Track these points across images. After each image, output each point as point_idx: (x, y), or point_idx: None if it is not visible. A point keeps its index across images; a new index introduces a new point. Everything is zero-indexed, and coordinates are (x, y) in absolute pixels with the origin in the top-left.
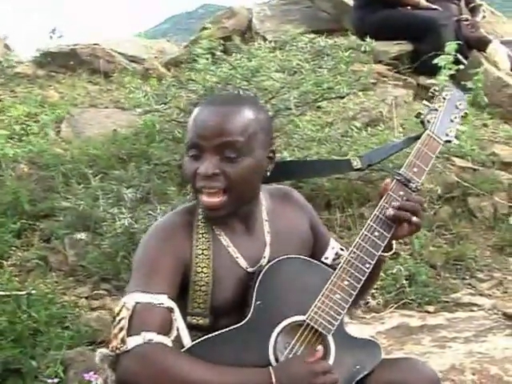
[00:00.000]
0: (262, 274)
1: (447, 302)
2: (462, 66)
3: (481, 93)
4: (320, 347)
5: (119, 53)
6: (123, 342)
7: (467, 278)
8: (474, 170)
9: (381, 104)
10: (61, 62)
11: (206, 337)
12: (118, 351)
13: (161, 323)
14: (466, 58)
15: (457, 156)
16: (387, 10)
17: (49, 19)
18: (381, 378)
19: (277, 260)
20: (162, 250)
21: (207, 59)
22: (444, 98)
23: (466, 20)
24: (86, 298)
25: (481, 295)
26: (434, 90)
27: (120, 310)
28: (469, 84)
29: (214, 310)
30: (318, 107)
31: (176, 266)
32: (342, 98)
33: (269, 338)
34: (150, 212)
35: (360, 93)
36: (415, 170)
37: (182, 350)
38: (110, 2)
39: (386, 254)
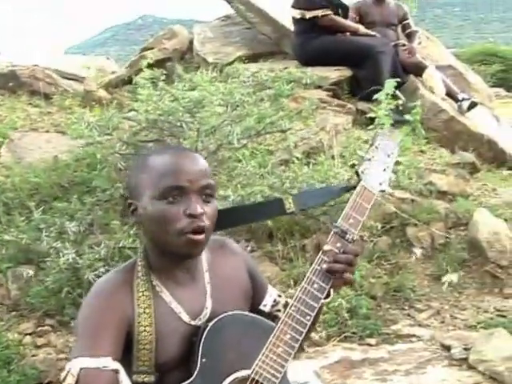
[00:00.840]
0: (206, 332)
1: (388, 333)
2: (400, 101)
3: (419, 126)
4: None
5: (59, 74)
6: None
7: (406, 308)
8: (412, 200)
9: (321, 132)
10: (0, 84)
11: None
12: None
13: None
14: (402, 83)
15: (395, 187)
16: (327, 37)
17: None
18: None
19: (220, 317)
20: (104, 310)
21: (149, 87)
22: (376, 148)
23: (404, 45)
24: (30, 334)
25: (419, 325)
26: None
27: (65, 377)
28: (407, 116)
29: (159, 367)
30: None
31: (119, 325)
32: (284, 132)
33: None
34: (94, 246)
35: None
36: (351, 221)
37: None
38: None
39: (324, 301)
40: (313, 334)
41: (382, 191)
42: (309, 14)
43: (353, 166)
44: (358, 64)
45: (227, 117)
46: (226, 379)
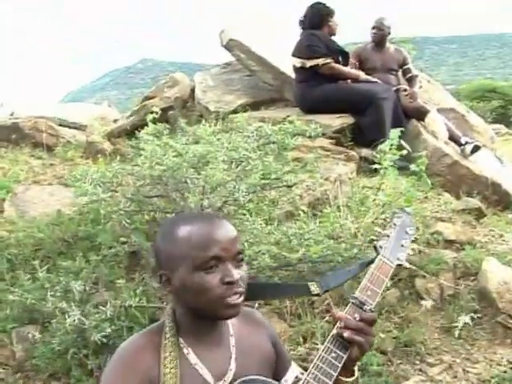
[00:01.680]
0: None
1: None
2: (405, 152)
3: (424, 176)
4: None
5: (61, 123)
6: None
7: (417, 362)
8: (420, 251)
9: (325, 182)
10: (2, 136)
11: None
12: None
13: None
14: (404, 127)
15: None
16: (328, 85)
17: None
18: None
19: (242, 379)
20: (127, 373)
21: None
22: (395, 224)
23: (405, 90)
24: None
25: (432, 381)
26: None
27: None
28: (412, 166)
29: None
30: None
31: None
32: (290, 187)
33: None
34: (100, 306)
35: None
36: (369, 293)
37: None
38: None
39: (348, 380)
40: None
41: (400, 265)
42: (309, 63)
43: (372, 241)
44: (361, 111)
45: (232, 173)
46: None
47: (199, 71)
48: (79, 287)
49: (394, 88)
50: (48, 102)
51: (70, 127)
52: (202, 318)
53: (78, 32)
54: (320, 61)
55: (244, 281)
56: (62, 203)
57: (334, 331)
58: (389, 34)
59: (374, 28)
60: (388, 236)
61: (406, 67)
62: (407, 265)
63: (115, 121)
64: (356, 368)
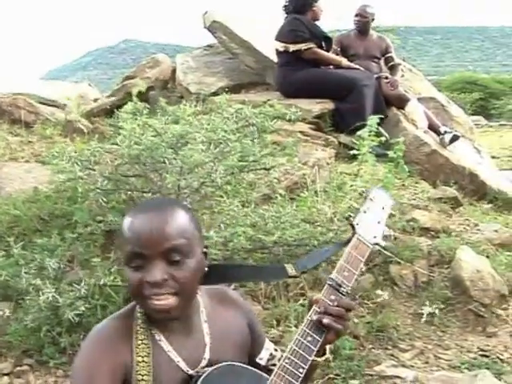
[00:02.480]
0: (200, 381)
1: (371, 375)
2: (383, 139)
3: (402, 162)
4: None
5: (40, 101)
6: None
7: (390, 347)
8: (395, 237)
9: (303, 166)
10: None
11: None
12: None
13: None
14: (385, 116)
15: None
16: (310, 70)
17: None
18: None
19: (215, 367)
20: (100, 359)
21: (132, 121)
22: (371, 200)
23: (386, 78)
24: (8, 374)
25: (403, 366)
26: (363, 191)
27: None
28: (390, 153)
29: None
30: None
31: (115, 374)
32: (268, 169)
33: None
34: (74, 284)
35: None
36: (346, 273)
37: None
38: (31, 33)
39: (319, 359)
40: None
41: (376, 244)
42: (292, 47)
43: (347, 217)
44: (341, 97)
45: (210, 154)
46: None
47: (182, 53)
48: (54, 265)
49: (376, 75)
50: (28, 79)
51: (49, 105)
52: None
53: (59, 9)
54: (303, 45)
55: (182, 281)
56: (39, 181)
57: (312, 316)
58: (372, 20)
59: (357, 15)
60: (364, 212)
61: (388, 55)
62: (383, 243)
63: (95, 100)
64: (327, 348)
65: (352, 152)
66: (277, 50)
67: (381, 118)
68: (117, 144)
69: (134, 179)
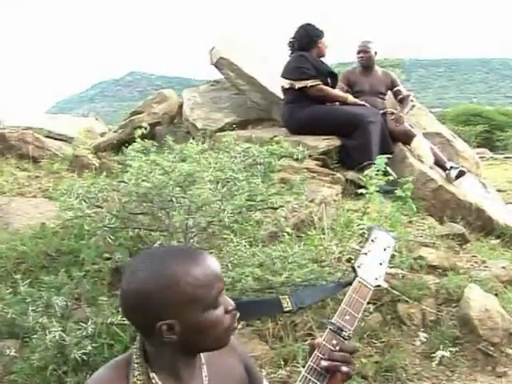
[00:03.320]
0: None
1: None
2: (391, 177)
3: (410, 202)
4: None
5: (47, 135)
6: None
7: None
8: (403, 276)
9: (310, 204)
10: None
11: None
12: None
13: None
14: (391, 152)
15: None
16: (316, 106)
17: None
18: None
19: None
20: None
21: (140, 158)
22: (372, 241)
23: (392, 114)
24: None
25: None
26: (364, 232)
27: None
28: (398, 191)
29: None
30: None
31: None
32: (275, 209)
33: None
34: (81, 323)
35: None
36: (347, 317)
37: None
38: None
39: None
40: None
41: (378, 286)
42: (298, 84)
43: (349, 260)
44: (348, 134)
45: (218, 193)
46: None
47: (187, 87)
48: (61, 303)
49: (381, 111)
50: (35, 112)
51: (56, 139)
52: (188, 354)
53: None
54: (309, 82)
55: None
56: (46, 216)
57: (316, 362)
58: (375, 54)
59: (359, 52)
60: (366, 254)
61: (396, 89)
62: (385, 285)
63: (102, 134)
64: None
65: (359, 191)
66: (282, 86)
67: (388, 157)
68: (124, 182)
69: (141, 217)
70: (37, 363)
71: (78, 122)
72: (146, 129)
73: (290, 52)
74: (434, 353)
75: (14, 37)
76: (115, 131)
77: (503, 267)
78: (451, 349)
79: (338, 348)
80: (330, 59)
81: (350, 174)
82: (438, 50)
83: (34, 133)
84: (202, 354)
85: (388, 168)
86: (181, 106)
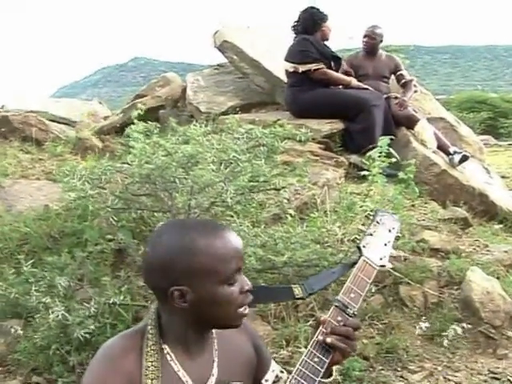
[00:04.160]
0: None
1: None
2: (394, 160)
3: (412, 184)
4: None
5: (51, 118)
6: None
7: (399, 369)
8: (405, 258)
9: (313, 186)
10: None
11: None
12: None
13: None
14: (395, 136)
15: None
16: (319, 90)
17: None
18: None
19: None
20: (108, 377)
21: (143, 140)
22: (378, 223)
23: (396, 98)
24: None
25: None
26: (370, 214)
27: None
28: (401, 174)
29: None
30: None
31: None
32: (278, 190)
33: None
34: (84, 303)
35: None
36: (352, 295)
37: None
38: (42, 51)
39: (326, 381)
40: None
41: (383, 266)
42: (302, 68)
43: (355, 240)
44: (351, 117)
45: (221, 174)
46: None
47: (191, 71)
48: (64, 283)
49: (385, 96)
50: (39, 97)
51: (59, 122)
52: (199, 327)
53: (70, 27)
54: (312, 66)
55: None
56: (50, 198)
57: (318, 336)
58: (381, 41)
59: (365, 37)
60: (371, 235)
61: (399, 73)
62: (390, 265)
63: (105, 118)
64: (334, 369)
65: (362, 173)
66: (286, 70)
67: (391, 139)
68: (127, 163)
69: (144, 198)
70: (40, 342)
71: (82, 106)
72: (142, 110)
73: (293, 35)
74: (435, 335)
75: (17, 22)
76: (118, 115)
77: (505, 251)
78: (453, 331)
79: (341, 324)
80: (337, 45)
81: (353, 158)
82: (443, 36)
83: (38, 116)
84: (213, 330)
85: (391, 149)
86: (184, 90)
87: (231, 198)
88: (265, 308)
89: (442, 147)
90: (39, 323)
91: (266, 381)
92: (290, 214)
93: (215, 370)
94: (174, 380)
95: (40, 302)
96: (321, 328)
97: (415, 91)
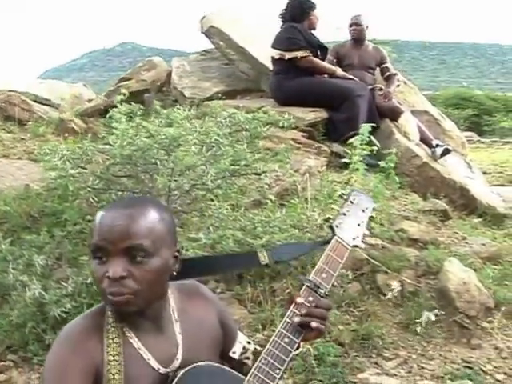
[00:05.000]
0: (175, 382)
1: (355, 382)
2: (375, 147)
3: (393, 173)
4: None
5: (35, 99)
6: None
7: (374, 356)
8: (383, 247)
9: (295, 174)
10: None
11: None
12: None
13: None
14: (377, 127)
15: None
16: (304, 78)
17: None
18: None
19: (190, 368)
20: (71, 357)
21: (125, 122)
22: (351, 202)
23: (380, 90)
24: None
25: (387, 374)
26: (343, 194)
27: None
28: (381, 163)
29: None
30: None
31: (86, 373)
32: (259, 174)
33: None
34: (61, 282)
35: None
36: (324, 275)
37: None
38: (28, 33)
39: (294, 353)
40: (280, 382)
41: (355, 246)
42: (288, 55)
43: (328, 219)
44: (335, 106)
45: (202, 157)
46: None
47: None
48: (42, 261)
49: (370, 87)
50: (24, 78)
51: (43, 104)
52: None
53: (57, 10)
54: (299, 53)
55: (141, 281)
56: (31, 178)
57: (293, 318)
58: (367, 27)
59: (351, 25)
60: (344, 214)
61: (384, 66)
62: (362, 245)
63: (89, 101)
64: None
65: (343, 160)
66: (272, 57)
67: (374, 128)
68: (109, 144)
69: (125, 179)
70: (16, 320)
71: (66, 88)
72: (124, 95)
73: (281, 23)
74: (411, 323)
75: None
76: (102, 97)
77: (483, 244)
78: (426, 317)
79: (313, 305)
80: (325, 36)
81: (336, 147)
82: (430, 33)
83: (21, 96)
84: (173, 309)
85: (372, 138)
86: (169, 75)
87: (212, 181)
88: (242, 292)
89: (424, 140)
90: (16, 301)
91: (234, 353)
92: (270, 200)
93: (179, 352)
94: (136, 357)
95: (17, 279)
96: (291, 308)
97: (398, 85)
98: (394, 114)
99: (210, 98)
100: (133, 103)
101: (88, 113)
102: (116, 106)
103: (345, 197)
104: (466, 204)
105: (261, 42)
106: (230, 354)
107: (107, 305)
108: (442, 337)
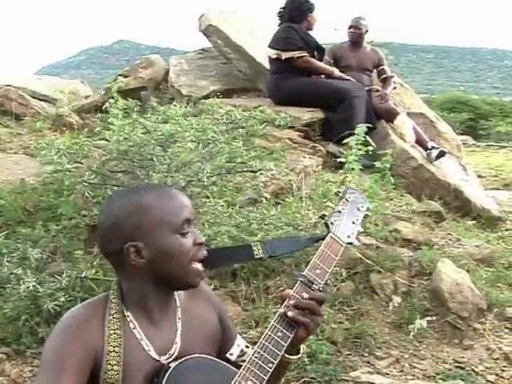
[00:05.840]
0: (168, 373)
1: (346, 380)
2: (370, 148)
3: (388, 174)
4: None
5: (32, 95)
6: None
7: (366, 355)
8: (377, 247)
9: (290, 173)
10: None
11: None
12: None
13: None
14: (373, 128)
15: (361, 233)
16: (301, 78)
17: None
18: None
19: (184, 359)
20: (70, 345)
21: (122, 118)
22: (347, 200)
23: (377, 91)
24: None
25: (378, 373)
26: (339, 191)
27: None
28: (377, 164)
29: None
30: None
31: (85, 361)
32: (255, 172)
33: None
34: (56, 275)
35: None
36: (318, 271)
37: None
38: (25, 29)
39: (292, 357)
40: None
41: (350, 243)
42: (285, 55)
43: (323, 216)
44: (332, 107)
45: (198, 153)
46: None
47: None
48: (36, 255)
49: (367, 88)
50: (21, 74)
51: (40, 99)
52: (159, 290)
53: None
54: (296, 53)
55: None
56: (27, 173)
57: (281, 310)
58: (366, 32)
59: (351, 27)
60: (339, 212)
61: (380, 68)
62: (357, 243)
63: (87, 97)
64: (302, 347)
65: (339, 160)
66: (269, 57)
67: (369, 129)
68: (106, 139)
69: (120, 175)
70: (9, 313)
71: (64, 84)
72: (123, 83)
73: (279, 22)
74: (403, 323)
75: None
76: (99, 93)
77: (477, 246)
78: (421, 320)
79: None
80: (323, 37)
81: (331, 147)
82: (428, 36)
83: (18, 90)
84: (177, 298)
85: (368, 138)
86: (167, 72)
87: (207, 178)
88: (236, 289)
89: (420, 142)
90: (10, 294)
91: (231, 354)
92: (266, 198)
93: (178, 339)
94: (137, 348)
95: (12, 273)
96: (285, 303)
97: (394, 87)
98: (390, 116)
99: (206, 97)
100: (130, 100)
101: (85, 109)
102: (113, 97)
103: (340, 194)
104: (461, 206)
105: (258, 42)
106: (227, 356)
107: (189, 275)
108: (434, 337)
